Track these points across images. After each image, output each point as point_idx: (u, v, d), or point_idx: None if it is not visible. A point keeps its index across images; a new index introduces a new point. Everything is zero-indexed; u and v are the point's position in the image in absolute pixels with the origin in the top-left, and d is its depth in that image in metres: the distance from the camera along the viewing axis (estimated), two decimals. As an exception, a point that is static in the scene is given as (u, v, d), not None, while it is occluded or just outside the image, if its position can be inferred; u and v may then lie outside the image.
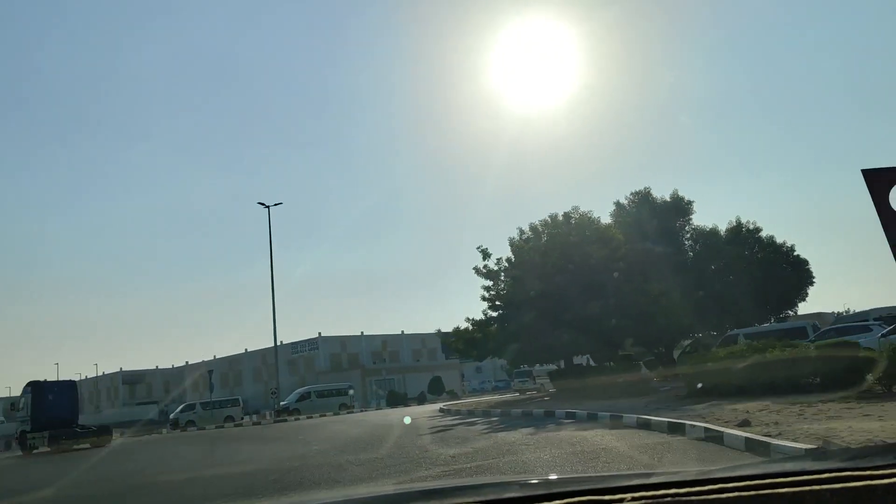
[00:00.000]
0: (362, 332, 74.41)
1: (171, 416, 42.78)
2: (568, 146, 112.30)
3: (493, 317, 31.21)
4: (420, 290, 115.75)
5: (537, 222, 30.37)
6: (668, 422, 11.60)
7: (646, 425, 12.48)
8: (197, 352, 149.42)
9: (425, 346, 76.60)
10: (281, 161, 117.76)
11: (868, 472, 1.11)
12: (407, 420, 24.29)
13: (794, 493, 1.06)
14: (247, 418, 47.40)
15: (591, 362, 34.27)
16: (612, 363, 31.28)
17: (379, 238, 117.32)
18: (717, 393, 17.26)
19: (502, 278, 31.39)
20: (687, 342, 38.26)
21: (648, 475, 1.30)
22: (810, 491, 1.06)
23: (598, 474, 2.46)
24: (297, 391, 47.13)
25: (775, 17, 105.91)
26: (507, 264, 31.11)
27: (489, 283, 31.95)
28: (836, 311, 52.29)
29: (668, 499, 1.08)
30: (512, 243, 31.07)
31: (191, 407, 43.02)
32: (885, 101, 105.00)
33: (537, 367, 40.57)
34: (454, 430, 17.01)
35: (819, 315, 46.43)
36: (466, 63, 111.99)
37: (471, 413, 24.67)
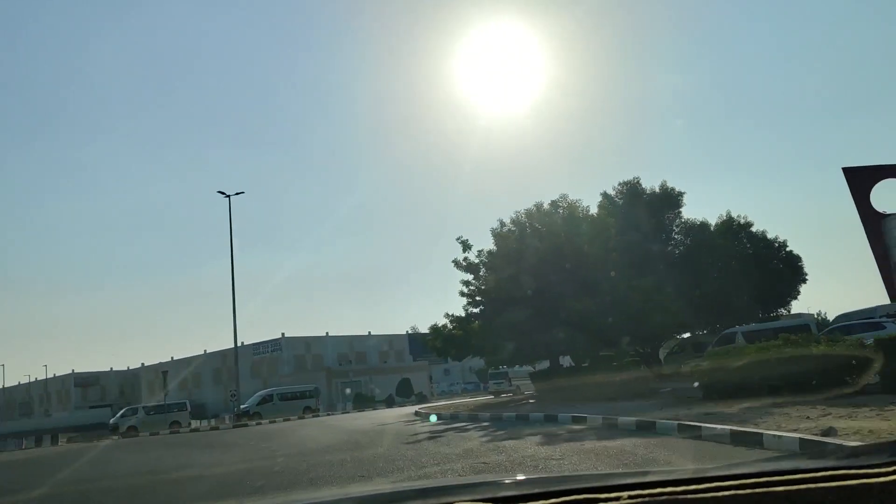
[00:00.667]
0: (327, 333, 71.31)
1: (112, 421, 39.15)
2: (540, 145, 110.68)
3: (475, 313, 28.74)
4: (387, 291, 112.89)
5: (522, 211, 27.97)
6: (732, 430, 9.21)
7: (693, 433, 10.10)
8: (154, 353, 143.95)
9: (393, 347, 73.81)
10: (244, 160, 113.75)
11: (863, 471, 1.08)
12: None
13: (788, 491, 1.05)
14: (204, 423, 44.27)
15: (571, 363, 32.05)
16: (588, 363, 29.09)
17: (345, 238, 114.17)
18: (734, 393, 15.08)
19: (482, 273, 28.96)
20: (674, 342, 36.30)
21: (645, 473, 1.28)
22: (805, 489, 1.04)
23: (593, 473, 2.30)
24: (258, 393, 43.96)
25: (755, 13, 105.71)
26: (488, 257, 28.69)
27: (469, 277, 29.49)
28: (815, 313, 50.84)
29: (665, 497, 1.07)
30: (495, 234, 28.61)
31: (133, 411, 39.42)
32: (860, 100, 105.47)
33: (517, 367, 38.22)
34: (445, 438, 14.46)
35: (799, 316, 44.97)
36: (435, 63, 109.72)
37: (454, 417, 22.15)
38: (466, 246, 28.84)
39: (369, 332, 73.75)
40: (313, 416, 39.67)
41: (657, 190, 32.09)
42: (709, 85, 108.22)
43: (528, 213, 27.91)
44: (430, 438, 14.72)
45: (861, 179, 49.69)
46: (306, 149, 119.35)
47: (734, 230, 32.56)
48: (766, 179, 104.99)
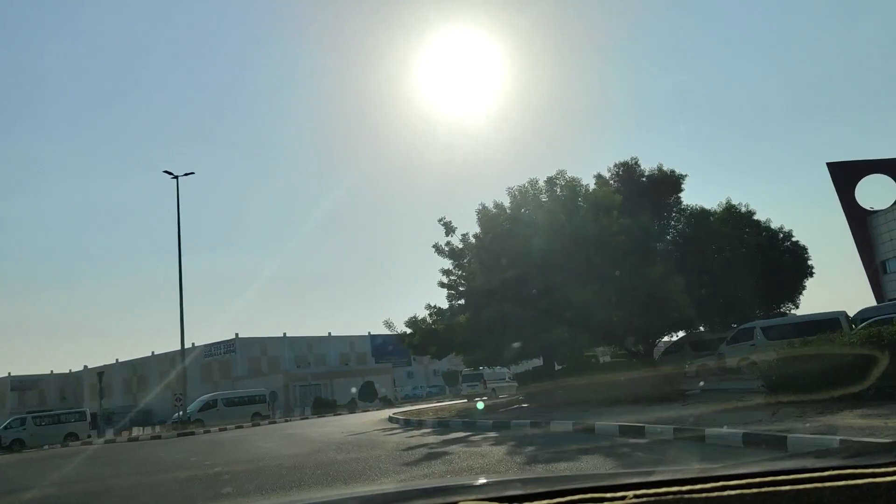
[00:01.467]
0: (285, 334, 66.41)
1: None
2: (507, 144, 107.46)
3: (460, 305, 24.80)
4: (347, 291, 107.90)
5: (515, 188, 24.02)
6: None
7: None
8: (99, 355, 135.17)
9: (354, 349, 69.26)
10: (199, 158, 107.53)
11: (870, 470, 1.06)
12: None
13: (795, 490, 1.03)
14: (148, 430, 39.24)
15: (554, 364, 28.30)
16: (569, 363, 25.51)
17: (304, 237, 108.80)
18: (810, 389, 11.54)
19: (467, 260, 25.05)
20: (670, 341, 32.91)
21: (651, 472, 1.26)
22: (812, 489, 1.02)
23: (600, 472, 2.03)
24: (200, 398, 38.77)
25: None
26: (475, 241, 24.79)
27: (451, 265, 25.55)
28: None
29: (671, 496, 1.05)
30: (481, 215, 24.69)
31: (20, 422, 33.50)
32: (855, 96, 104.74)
33: (497, 369, 34.36)
34: (457, 456, 10.41)
35: (782, 314, 42.11)
36: (398, 62, 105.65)
37: (442, 424, 18.10)
38: (450, 229, 24.90)
39: (329, 334, 69.16)
40: (270, 423, 35.16)
41: (655, 172, 28.63)
42: (675, 82, 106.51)
43: (522, 190, 24.03)
44: (433, 457, 10.66)
45: (845, 175, 47.37)
46: (263, 148, 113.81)
47: (735, 219, 29.26)
48: (747, 176, 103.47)
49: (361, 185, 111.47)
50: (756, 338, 23.13)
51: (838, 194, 45.20)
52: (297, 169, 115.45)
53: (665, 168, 29.25)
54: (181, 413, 33.15)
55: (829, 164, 45.92)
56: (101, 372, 39.97)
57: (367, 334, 69.99)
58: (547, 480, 1.41)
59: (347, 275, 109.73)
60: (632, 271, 22.40)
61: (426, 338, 24.59)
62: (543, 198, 23.99)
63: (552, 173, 23.98)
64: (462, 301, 25.42)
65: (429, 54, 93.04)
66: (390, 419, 24.07)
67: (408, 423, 20.14)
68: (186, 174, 34.95)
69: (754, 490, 1.04)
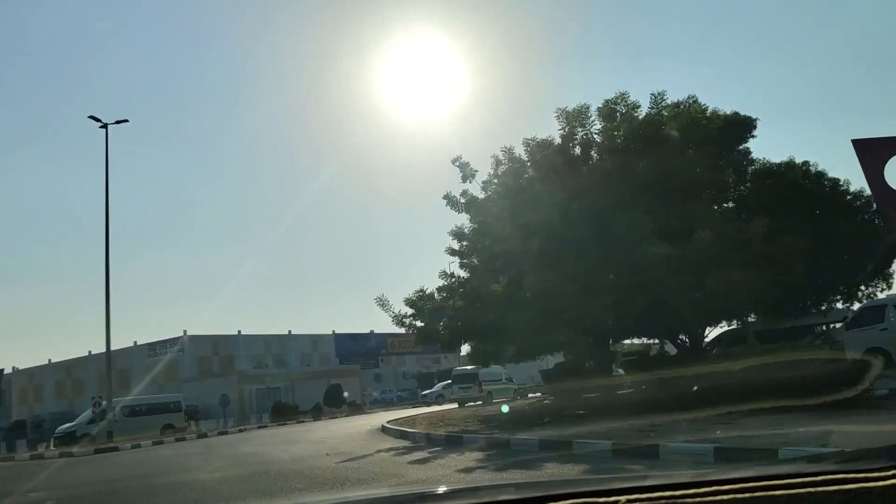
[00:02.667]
0: (239, 331, 58.38)
1: None
2: (465, 146, 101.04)
3: (482, 277, 17.84)
4: (310, 288, 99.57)
5: (561, 111, 17.07)
6: None
7: None
8: (29, 355, 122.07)
9: (317, 349, 61.58)
10: (152, 158, 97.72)
11: (863, 475, 1.05)
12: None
13: (789, 495, 1.02)
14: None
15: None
16: (590, 363, 19.11)
17: (262, 235, 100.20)
18: None
19: (492, 217, 18.18)
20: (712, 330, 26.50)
21: (644, 477, 1.23)
22: (805, 493, 1.02)
23: (593, 477, 2.11)
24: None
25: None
26: (498, 188, 18.02)
27: (469, 223, 18.74)
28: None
29: (664, 501, 1.04)
30: (507, 154, 17.92)
31: None
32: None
33: (504, 367, 27.54)
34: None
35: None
36: (349, 69, 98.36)
37: (499, 444, 11.04)
38: (468, 173, 18.00)
39: (290, 332, 61.32)
40: (220, 434, 27.68)
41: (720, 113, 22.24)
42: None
43: (568, 118, 17.24)
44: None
45: (874, 153, 42.38)
46: (217, 148, 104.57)
47: (811, 179, 23.06)
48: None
49: (325, 180, 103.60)
50: (889, 319, 16.86)
51: (865, 175, 39.64)
52: (252, 166, 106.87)
53: (719, 113, 23.05)
54: (98, 423, 25.43)
55: (855, 141, 40.63)
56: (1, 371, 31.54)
57: (331, 333, 62.59)
58: (540, 485, 1.36)
59: (310, 273, 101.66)
60: (732, 231, 16.07)
61: (436, 319, 17.54)
62: (595, 128, 17.35)
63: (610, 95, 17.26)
64: (482, 271, 18.49)
65: (390, 53, 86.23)
66: (385, 430, 17.07)
67: (430, 441, 13.00)
68: (118, 122, 27.32)
69: (747, 495, 1.01)
